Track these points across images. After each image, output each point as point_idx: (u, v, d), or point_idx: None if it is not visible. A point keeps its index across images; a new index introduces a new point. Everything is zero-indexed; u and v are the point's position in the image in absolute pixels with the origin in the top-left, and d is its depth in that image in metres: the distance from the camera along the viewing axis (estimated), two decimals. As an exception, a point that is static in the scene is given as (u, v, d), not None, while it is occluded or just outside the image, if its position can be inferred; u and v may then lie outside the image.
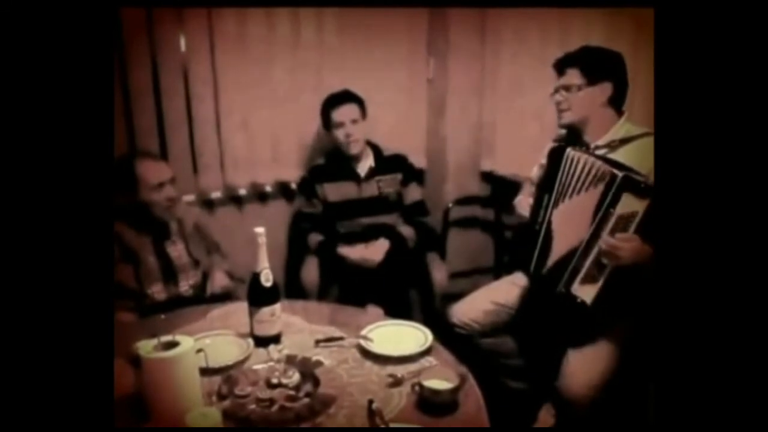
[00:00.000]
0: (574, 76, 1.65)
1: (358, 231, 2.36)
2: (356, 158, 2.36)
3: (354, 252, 2.26)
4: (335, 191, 2.37)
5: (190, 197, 2.33)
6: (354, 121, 2.28)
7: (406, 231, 2.36)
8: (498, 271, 2.86)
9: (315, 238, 2.35)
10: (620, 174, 1.40)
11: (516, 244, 1.89)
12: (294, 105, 2.52)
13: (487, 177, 3.00)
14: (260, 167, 2.52)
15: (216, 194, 2.47)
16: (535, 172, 1.91)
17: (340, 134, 2.29)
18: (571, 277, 1.54)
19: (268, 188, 2.59)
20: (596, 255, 1.48)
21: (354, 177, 2.37)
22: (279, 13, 2.40)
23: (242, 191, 2.53)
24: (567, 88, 1.66)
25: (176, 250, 1.91)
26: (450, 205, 2.81)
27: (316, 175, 2.39)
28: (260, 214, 2.60)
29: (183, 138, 2.34)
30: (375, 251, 2.25)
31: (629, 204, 1.40)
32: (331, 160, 2.40)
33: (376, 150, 2.42)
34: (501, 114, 2.83)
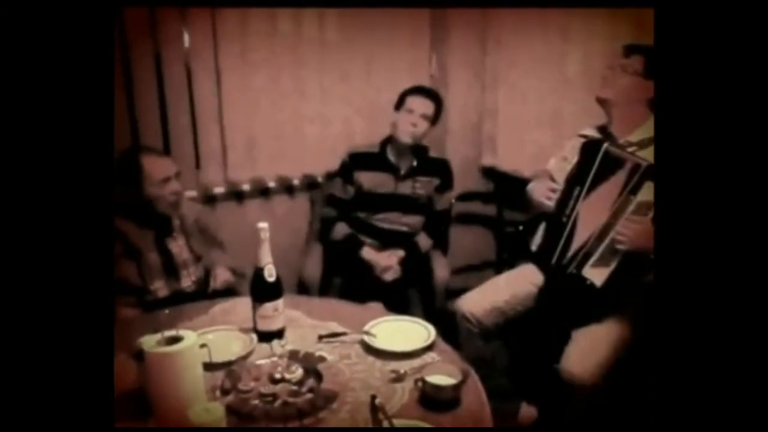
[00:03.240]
0: (636, 61, 1.66)
1: (377, 225, 2.36)
2: (402, 153, 2.34)
3: (375, 258, 2.27)
4: (371, 180, 2.35)
5: (192, 193, 2.34)
6: (424, 116, 2.25)
7: (424, 242, 2.36)
8: (500, 266, 2.87)
9: (342, 230, 2.35)
10: (644, 163, 1.47)
11: (526, 234, 1.88)
12: (297, 101, 2.51)
13: (489, 173, 3.00)
14: (262, 163, 2.52)
15: (218, 190, 2.47)
16: (552, 164, 1.91)
17: (404, 120, 2.26)
18: (584, 260, 1.59)
19: (271, 184, 2.59)
20: (611, 239, 1.52)
21: (394, 171, 2.35)
22: (282, 10, 2.40)
23: (244, 186, 2.53)
24: (624, 67, 1.67)
25: (177, 246, 1.91)
26: (452, 200, 2.81)
27: (356, 160, 2.37)
28: (263, 209, 2.61)
29: (185, 134, 2.34)
30: (391, 268, 2.26)
31: (650, 193, 1.45)
32: (376, 150, 2.38)
33: (423, 150, 2.39)
34: (502, 110, 2.83)
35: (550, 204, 1.75)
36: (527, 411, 1.93)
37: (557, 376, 1.59)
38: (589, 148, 1.67)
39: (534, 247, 1.85)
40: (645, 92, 1.65)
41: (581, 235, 1.64)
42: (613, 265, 1.53)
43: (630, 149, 1.65)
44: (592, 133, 1.81)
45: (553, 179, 1.82)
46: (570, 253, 1.66)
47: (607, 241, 1.54)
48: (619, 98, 1.68)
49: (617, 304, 1.62)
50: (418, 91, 2.30)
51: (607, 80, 1.70)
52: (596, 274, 1.56)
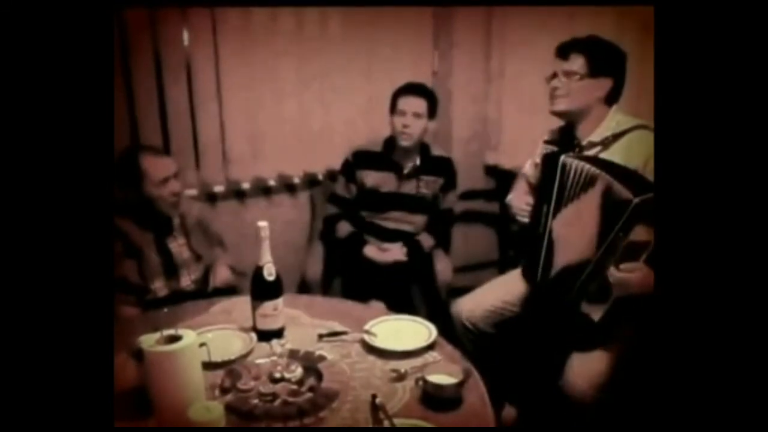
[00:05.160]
0: (578, 64, 1.61)
1: (380, 224, 2.36)
2: (405, 152, 2.32)
3: (378, 256, 2.26)
4: (374, 179, 2.34)
5: (192, 191, 2.33)
6: (416, 115, 2.23)
7: (426, 240, 2.35)
8: (503, 265, 2.86)
9: (345, 228, 2.34)
10: (635, 200, 1.33)
11: (520, 243, 1.86)
12: (298, 99, 2.51)
13: (492, 171, 2.99)
14: (263, 161, 2.51)
15: (218, 188, 2.46)
16: (527, 168, 1.90)
17: (398, 122, 2.25)
18: (579, 296, 1.52)
19: (271, 182, 2.59)
20: (605, 278, 1.44)
21: (397, 170, 2.34)
22: (283, 9, 2.39)
23: (245, 185, 2.53)
24: (568, 74, 1.62)
25: (177, 245, 1.90)
26: (455, 199, 2.80)
27: (359, 159, 2.37)
28: (263, 207, 2.60)
29: (186, 132, 2.33)
30: (393, 253, 2.26)
31: (641, 232, 1.35)
32: (379, 149, 2.37)
33: (425, 149, 2.38)
34: (506, 107, 2.82)
35: (526, 219, 1.72)
36: (508, 412, 1.92)
37: (556, 386, 1.58)
38: (549, 161, 1.61)
39: (515, 249, 1.84)
40: (597, 90, 1.61)
41: (562, 254, 1.59)
42: (609, 303, 1.47)
43: (593, 150, 1.62)
44: (555, 136, 1.78)
45: (530, 184, 1.81)
46: (553, 272, 1.61)
47: (599, 281, 1.47)
48: (575, 107, 1.63)
49: (616, 334, 1.56)
50: (407, 90, 2.27)
51: (556, 92, 1.64)
52: (593, 310, 1.51)
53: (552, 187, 1.57)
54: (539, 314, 1.78)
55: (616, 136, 1.60)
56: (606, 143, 1.61)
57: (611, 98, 1.64)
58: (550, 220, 1.60)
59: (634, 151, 1.54)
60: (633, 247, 1.37)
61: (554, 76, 1.66)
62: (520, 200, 1.77)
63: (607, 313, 1.47)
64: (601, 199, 1.44)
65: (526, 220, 1.72)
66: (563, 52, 1.64)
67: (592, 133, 1.65)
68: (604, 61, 1.61)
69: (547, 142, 1.79)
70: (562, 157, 1.55)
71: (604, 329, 1.51)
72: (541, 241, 1.62)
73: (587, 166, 1.49)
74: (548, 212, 1.60)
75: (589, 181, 1.47)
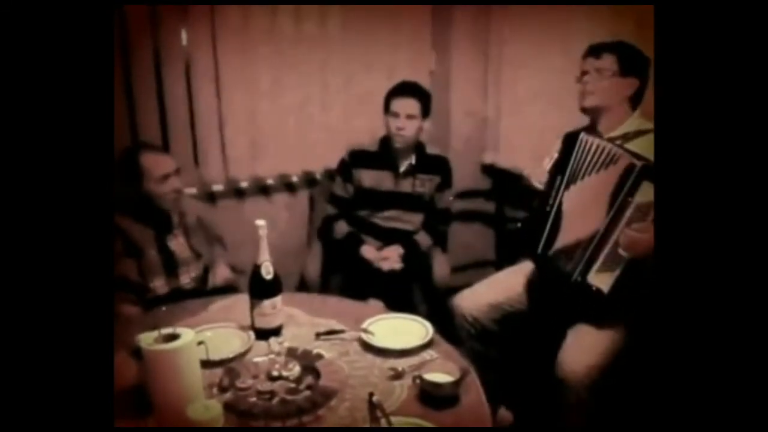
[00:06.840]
0: (610, 62, 1.68)
1: (378, 223, 2.37)
2: (400, 152, 2.33)
3: (374, 256, 2.27)
4: (371, 178, 2.35)
5: (192, 190, 2.33)
6: (410, 116, 2.24)
7: (423, 240, 2.36)
8: (500, 264, 2.86)
9: (342, 228, 2.35)
10: (639, 163, 1.42)
11: (524, 229, 1.88)
12: (297, 98, 2.51)
13: (489, 170, 3.00)
14: (262, 160, 2.51)
15: (218, 187, 2.47)
16: (546, 164, 1.91)
17: (391, 123, 2.26)
18: (587, 266, 1.55)
19: (270, 181, 2.59)
20: (614, 244, 1.49)
21: (393, 169, 2.35)
22: (282, 6, 2.39)
23: (244, 184, 2.53)
24: (600, 70, 1.69)
25: (178, 244, 1.90)
26: (451, 198, 2.80)
27: (355, 159, 2.37)
28: (262, 206, 2.60)
29: (185, 131, 2.33)
30: (391, 261, 2.26)
31: (648, 193, 1.40)
32: (375, 148, 2.38)
33: (420, 148, 2.38)
34: (503, 107, 2.83)
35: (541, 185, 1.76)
36: (504, 415, 1.93)
37: (551, 374, 1.59)
38: (568, 139, 1.69)
39: (513, 245, 1.87)
40: (625, 90, 1.68)
41: (569, 229, 1.62)
42: (618, 271, 1.50)
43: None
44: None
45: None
46: (558, 245, 1.65)
47: (608, 248, 1.50)
48: (604, 102, 1.70)
49: (622, 309, 1.59)
50: (400, 91, 2.27)
51: (587, 88, 1.71)
52: (601, 281, 1.53)
53: (568, 162, 1.64)
54: (541, 293, 1.80)
55: (637, 134, 1.65)
56: (626, 138, 1.65)
57: (636, 99, 1.70)
58: (561, 192, 1.65)
59: (649, 151, 1.56)
60: (641, 210, 1.43)
61: (584, 74, 1.72)
62: (537, 172, 1.83)
63: (617, 282, 1.50)
64: (620, 179, 1.48)
65: (540, 186, 1.77)
66: (596, 51, 1.71)
67: (613, 130, 1.70)
68: (632, 61, 1.67)
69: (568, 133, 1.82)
70: (582, 134, 1.63)
71: (614, 302, 1.53)
72: (549, 213, 1.67)
73: (610, 145, 1.55)
74: (560, 185, 1.66)
75: (611, 159, 1.53)
